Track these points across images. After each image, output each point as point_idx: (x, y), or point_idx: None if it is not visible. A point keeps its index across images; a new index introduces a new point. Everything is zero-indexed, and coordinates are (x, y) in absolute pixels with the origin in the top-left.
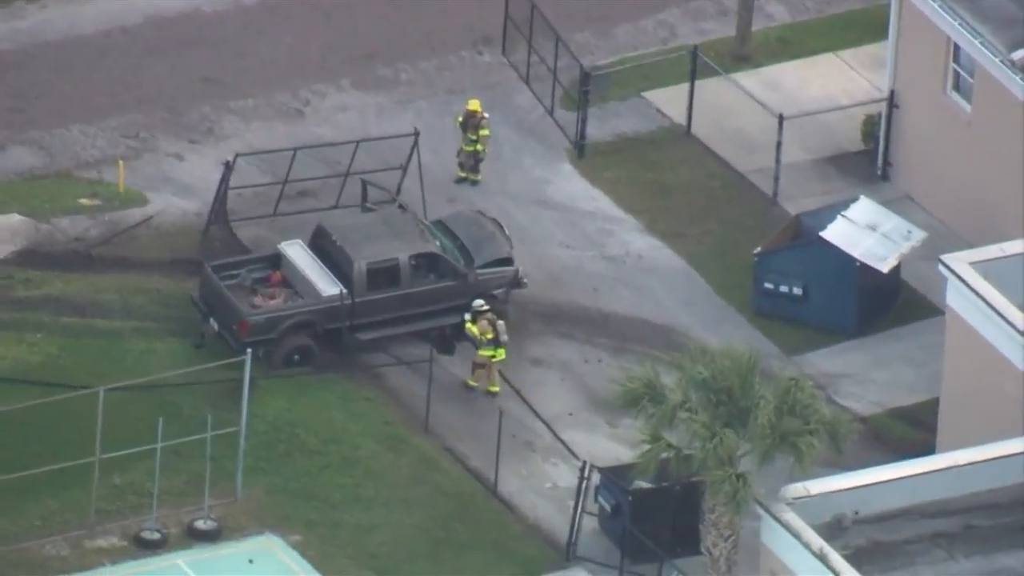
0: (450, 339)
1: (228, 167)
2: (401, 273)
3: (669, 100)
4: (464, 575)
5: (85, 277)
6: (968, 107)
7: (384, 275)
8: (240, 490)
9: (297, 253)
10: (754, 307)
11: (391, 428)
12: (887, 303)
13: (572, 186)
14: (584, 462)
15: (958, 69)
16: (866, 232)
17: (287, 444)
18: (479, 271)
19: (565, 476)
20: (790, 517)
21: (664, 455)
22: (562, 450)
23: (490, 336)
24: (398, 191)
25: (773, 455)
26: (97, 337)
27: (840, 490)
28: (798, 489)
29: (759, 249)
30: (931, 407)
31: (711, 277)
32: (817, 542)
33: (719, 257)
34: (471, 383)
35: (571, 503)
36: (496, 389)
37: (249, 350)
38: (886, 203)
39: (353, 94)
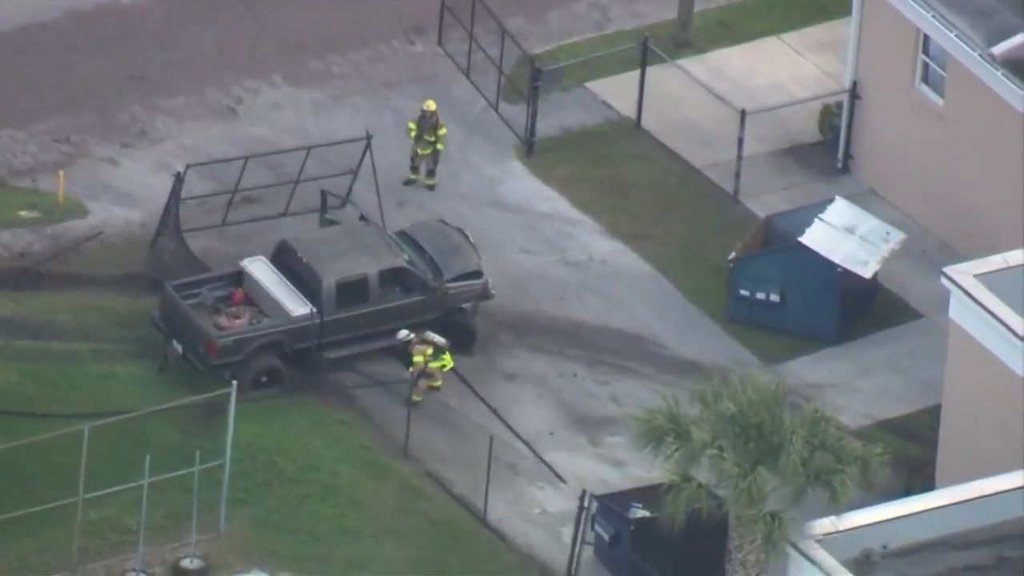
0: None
1: (179, 179)
2: (370, 289)
3: (613, 91)
4: None
5: (36, 296)
6: (940, 100)
7: (353, 292)
8: (223, 524)
9: (260, 270)
10: (728, 314)
11: (369, 453)
12: (865, 307)
13: (525, 186)
14: (584, 491)
15: (928, 61)
16: (844, 235)
17: (264, 473)
18: (448, 284)
19: (553, 500)
20: (821, 555)
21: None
22: (547, 472)
23: (430, 352)
24: (348, 195)
25: (805, 492)
26: (55, 361)
27: (868, 524)
28: (825, 524)
29: (733, 255)
30: (921, 418)
31: (680, 282)
32: None
33: (685, 260)
34: (416, 398)
35: (563, 529)
36: (438, 384)
37: (235, 381)
38: (849, 197)
39: (286, 90)
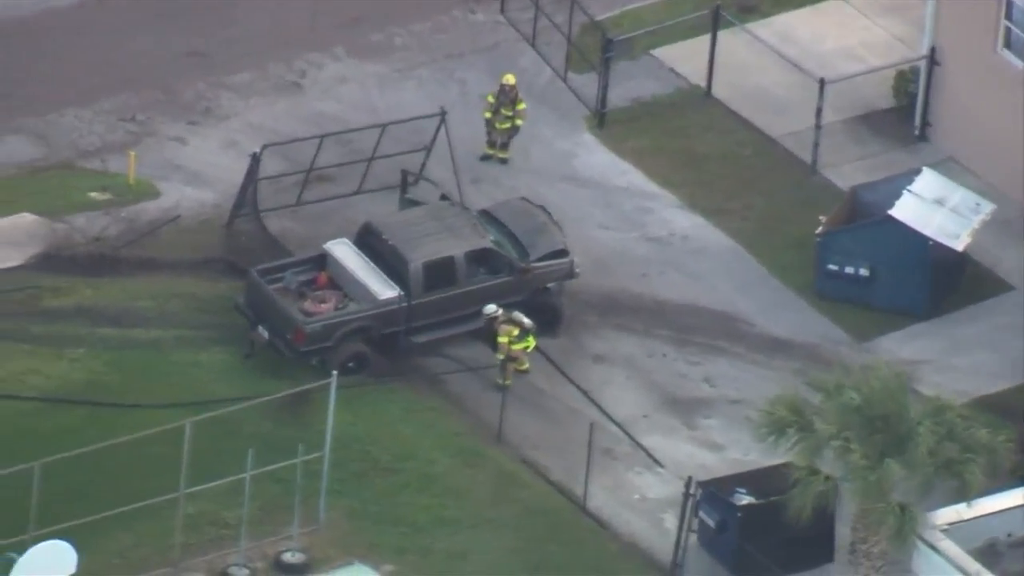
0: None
1: (255, 159)
2: (457, 271)
3: (681, 57)
4: None
5: (114, 282)
6: (1022, 65)
7: (440, 274)
8: (322, 516)
9: (345, 253)
10: (816, 290)
11: (462, 440)
12: (955, 281)
13: (598, 159)
14: (690, 478)
15: (1010, 25)
16: (935, 208)
17: (360, 463)
18: (534, 264)
19: (652, 486)
20: (946, 545)
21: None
22: (644, 457)
23: (516, 333)
24: (421, 172)
25: (934, 484)
26: (139, 349)
27: (992, 512)
28: (949, 514)
29: (821, 229)
30: (1019, 395)
31: (763, 257)
32: (975, 569)
33: (767, 234)
34: (506, 383)
35: (664, 516)
36: (526, 367)
37: (334, 372)
38: (928, 165)
39: (349, 63)
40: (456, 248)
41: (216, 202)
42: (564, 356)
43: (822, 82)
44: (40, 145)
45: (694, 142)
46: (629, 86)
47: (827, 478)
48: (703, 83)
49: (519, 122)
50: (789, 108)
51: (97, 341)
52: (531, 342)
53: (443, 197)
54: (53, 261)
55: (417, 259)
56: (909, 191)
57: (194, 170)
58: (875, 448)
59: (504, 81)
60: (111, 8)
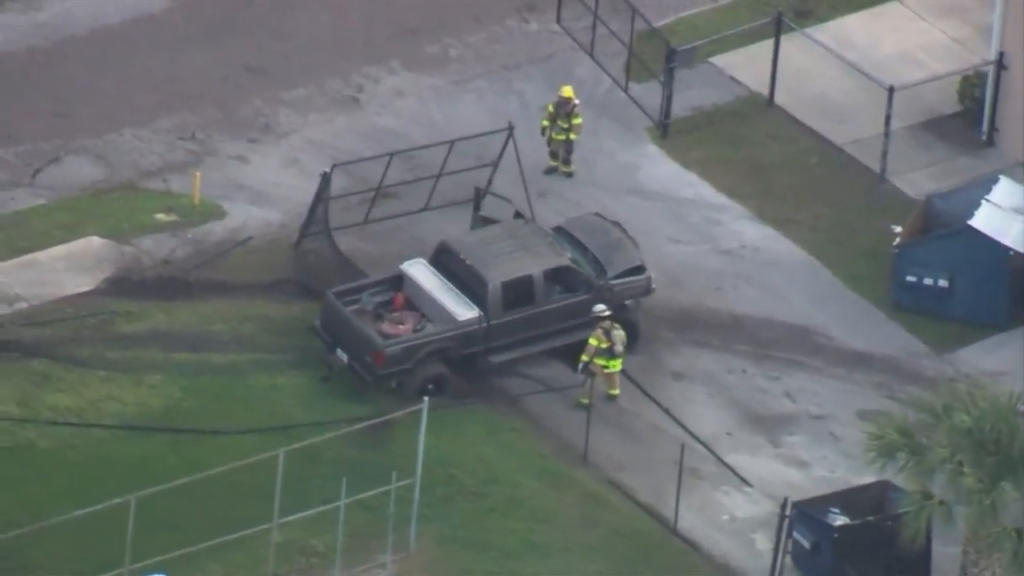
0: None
1: (326, 178)
2: (535, 290)
3: (740, 65)
4: None
5: (186, 306)
6: None
7: (518, 293)
8: (413, 543)
9: (421, 273)
10: (893, 301)
11: (547, 462)
12: None
13: (663, 170)
14: (785, 499)
15: None
16: (1013, 216)
17: (445, 487)
18: (612, 282)
19: (741, 506)
20: None
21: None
22: (731, 476)
23: (604, 346)
24: (487, 188)
25: None
26: (215, 374)
27: None
28: None
29: (898, 240)
30: None
31: (837, 268)
32: None
33: (838, 245)
34: (583, 401)
35: (755, 536)
36: (616, 392)
37: (426, 398)
38: (996, 172)
39: (406, 76)
40: (534, 267)
41: (282, 222)
42: (643, 374)
43: (891, 89)
44: (101, 166)
45: (759, 151)
46: (689, 95)
47: (941, 502)
48: (763, 90)
49: (573, 136)
50: (852, 115)
51: (173, 367)
52: (614, 365)
53: (517, 214)
54: (124, 285)
55: (495, 279)
56: (987, 200)
57: (258, 189)
58: (988, 471)
59: (561, 93)
60: (164, 24)
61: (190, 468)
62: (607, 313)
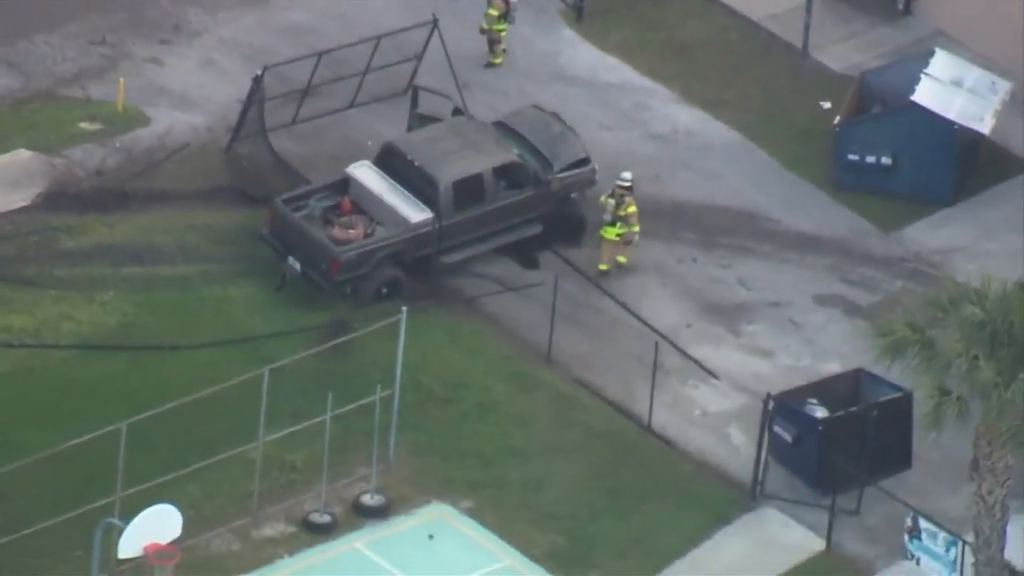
0: (532, 252)
1: (257, 81)
2: (485, 188)
3: None
4: (655, 529)
5: (127, 218)
6: None
7: (469, 192)
8: (392, 455)
9: (368, 176)
10: (834, 181)
11: (512, 363)
12: (973, 163)
13: (584, 55)
14: (768, 394)
15: None
16: (954, 90)
17: (414, 394)
18: (559, 175)
19: (711, 399)
20: None
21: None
22: (696, 369)
23: (632, 210)
24: (411, 83)
25: None
26: (166, 288)
27: None
28: None
29: (839, 119)
30: None
31: (771, 149)
32: None
33: (771, 124)
34: (602, 267)
35: (729, 431)
36: (603, 267)
37: (404, 308)
38: (917, 41)
39: None
40: (483, 164)
41: (208, 125)
42: (593, 267)
43: None
44: (16, 75)
45: (677, 31)
46: None
47: (959, 398)
48: None
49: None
50: None
51: (123, 281)
52: (609, 233)
53: (456, 111)
54: (60, 199)
55: (446, 178)
56: (926, 74)
57: (178, 93)
58: (1006, 363)
59: None
60: None
61: (153, 386)
62: (628, 184)
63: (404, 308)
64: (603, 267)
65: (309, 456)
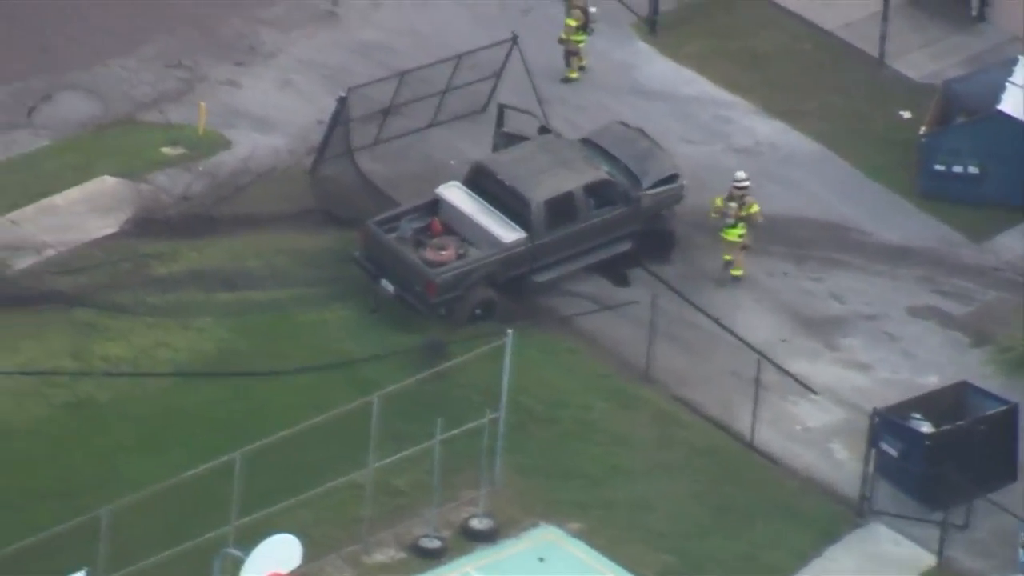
0: (622, 269)
1: (342, 103)
2: (577, 206)
3: None
4: (765, 546)
5: (216, 243)
6: None
7: (561, 210)
8: (499, 477)
9: (459, 197)
10: (920, 190)
11: (610, 381)
12: None
13: (659, 68)
14: (874, 409)
15: None
16: None
17: (515, 414)
18: (648, 192)
19: (811, 414)
20: None
21: None
22: (794, 384)
23: (755, 210)
24: (488, 101)
25: None
26: (260, 313)
27: None
28: None
29: (924, 129)
30: None
31: (854, 159)
32: None
33: (851, 134)
34: (736, 273)
35: (831, 446)
36: (738, 273)
37: (510, 331)
38: (994, 47)
39: None
40: (574, 182)
41: (290, 147)
42: (686, 282)
43: None
44: (95, 100)
45: (751, 41)
46: None
47: None
48: None
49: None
50: None
51: (216, 307)
52: (730, 234)
53: (543, 128)
54: (148, 225)
55: (538, 197)
56: (1011, 83)
57: (257, 115)
58: None
59: None
60: None
61: (255, 412)
62: (746, 184)
63: (510, 330)
64: (729, 257)
65: (414, 480)
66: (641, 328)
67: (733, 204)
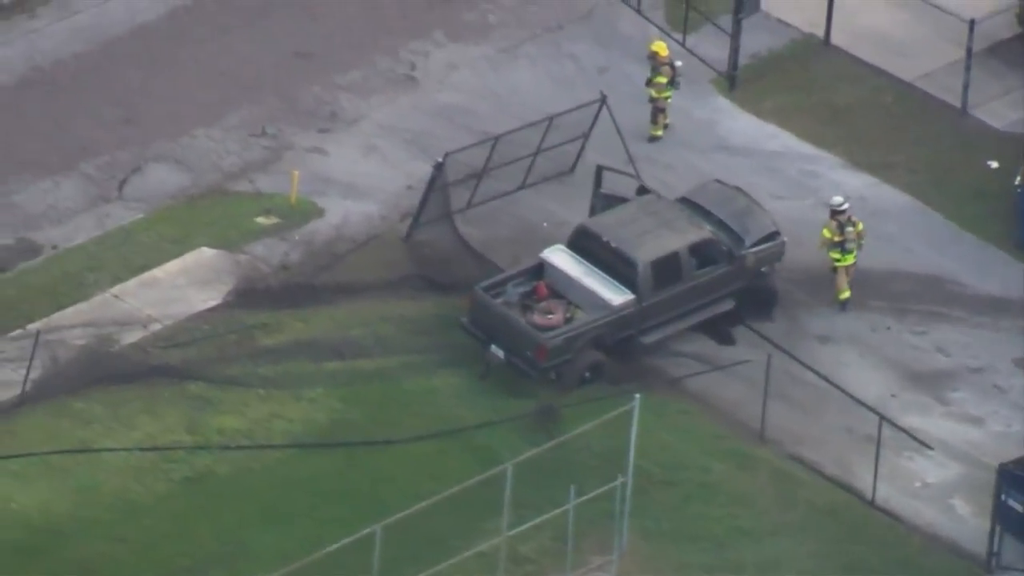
0: (726, 328)
1: (439, 168)
2: (682, 266)
3: (786, 7)
4: None
5: (319, 312)
6: None
7: (667, 271)
8: (624, 542)
9: (563, 260)
10: (1017, 241)
11: (726, 442)
12: None
13: (742, 124)
14: (999, 464)
15: None
16: None
17: (635, 478)
18: (751, 250)
19: (929, 470)
20: None
21: None
22: (907, 440)
23: (837, 239)
24: (577, 160)
25: None
26: (370, 382)
27: None
28: None
29: (1020, 180)
30: None
31: (946, 211)
32: None
33: (940, 186)
34: (842, 296)
35: (952, 502)
36: (846, 295)
37: (637, 396)
38: None
39: (452, 48)
40: (678, 242)
41: (382, 214)
42: (789, 339)
43: (972, 23)
44: (183, 171)
45: (830, 95)
46: (743, 42)
47: None
48: (816, 31)
49: (654, 94)
50: (912, 49)
51: (326, 377)
52: (846, 259)
53: (642, 189)
54: (250, 296)
55: (644, 259)
56: None
57: (346, 182)
58: None
59: (651, 47)
60: (200, 14)
61: (372, 482)
62: (844, 207)
63: (638, 395)
64: (846, 294)
65: (539, 547)
66: (750, 387)
67: (850, 228)
